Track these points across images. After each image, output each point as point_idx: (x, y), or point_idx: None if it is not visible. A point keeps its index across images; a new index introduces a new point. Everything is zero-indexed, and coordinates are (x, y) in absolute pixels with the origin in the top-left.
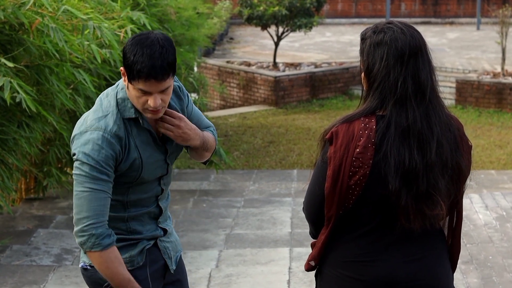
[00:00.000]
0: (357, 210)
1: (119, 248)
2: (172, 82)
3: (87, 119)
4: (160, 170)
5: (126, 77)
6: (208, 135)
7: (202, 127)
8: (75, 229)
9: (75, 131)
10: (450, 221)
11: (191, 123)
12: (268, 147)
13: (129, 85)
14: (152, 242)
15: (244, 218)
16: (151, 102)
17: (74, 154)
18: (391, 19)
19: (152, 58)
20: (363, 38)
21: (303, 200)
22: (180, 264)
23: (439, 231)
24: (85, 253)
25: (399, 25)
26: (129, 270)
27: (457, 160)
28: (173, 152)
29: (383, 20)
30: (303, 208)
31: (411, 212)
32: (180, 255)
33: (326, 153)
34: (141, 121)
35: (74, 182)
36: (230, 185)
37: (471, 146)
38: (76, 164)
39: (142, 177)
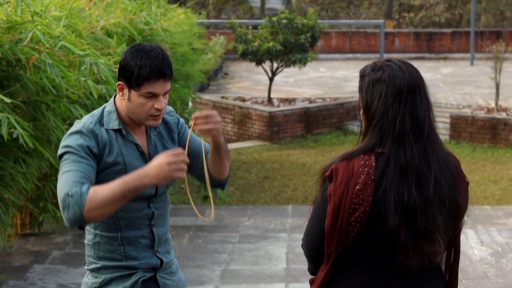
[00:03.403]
0: (357, 247)
1: (114, 279)
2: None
3: None
4: (148, 190)
5: (126, 88)
6: None
7: (205, 151)
8: (61, 211)
9: None
10: (448, 257)
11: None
12: (263, 183)
13: (132, 95)
14: (148, 275)
15: (239, 254)
16: (158, 105)
17: (58, 156)
18: (390, 56)
19: (158, 60)
20: (362, 76)
21: (298, 235)
22: None
23: (437, 267)
24: (83, 220)
25: (398, 63)
26: None
27: (455, 196)
28: None
29: (378, 56)
30: (302, 244)
31: (410, 248)
32: None
33: (326, 190)
34: (124, 133)
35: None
36: (225, 220)
37: (468, 183)
38: (59, 161)
39: None
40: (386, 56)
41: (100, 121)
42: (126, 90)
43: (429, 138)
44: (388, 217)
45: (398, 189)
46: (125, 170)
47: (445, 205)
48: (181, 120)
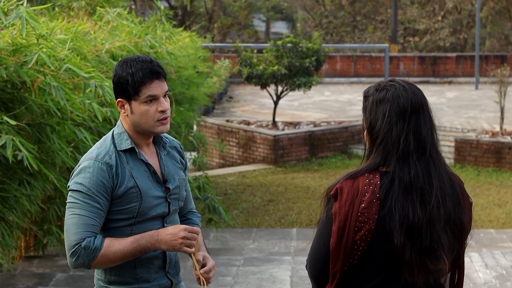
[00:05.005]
0: (362, 266)
1: None
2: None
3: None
4: (161, 208)
5: (126, 103)
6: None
7: (188, 207)
8: (68, 254)
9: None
10: (452, 277)
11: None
12: (267, 206)
13: (134, 106)
14: None
15: (243, 277)
16: (160, 107)
17: (68, 187)
18: (393, 77)
19: (147, 62)
20: (365, 96)
21: (302, 259)
22: None
23: (441, 286)
24: (89, 267)
25: (401, 83)
26: None
27: (459, 215)
28: (175, 193)
29: (383, 79)
30: (306, 265)
31: (415, 266)
32: None
33: (331, 209)
34: (137, 152)
35: (66, 212)
36: (229, 243)
37: (472, 203)
38: (69, 193)
39: (142, 209)
40: None
41: (113, 144)
42: (127, 105)
43: (432, 157)
44: (393, 235)
45: (403, 208)
46: (139, 193)
47: (449, 224)
48: (186, 159)
